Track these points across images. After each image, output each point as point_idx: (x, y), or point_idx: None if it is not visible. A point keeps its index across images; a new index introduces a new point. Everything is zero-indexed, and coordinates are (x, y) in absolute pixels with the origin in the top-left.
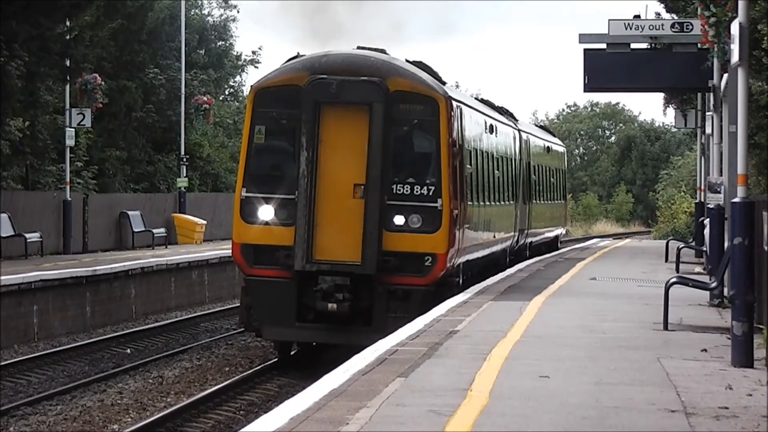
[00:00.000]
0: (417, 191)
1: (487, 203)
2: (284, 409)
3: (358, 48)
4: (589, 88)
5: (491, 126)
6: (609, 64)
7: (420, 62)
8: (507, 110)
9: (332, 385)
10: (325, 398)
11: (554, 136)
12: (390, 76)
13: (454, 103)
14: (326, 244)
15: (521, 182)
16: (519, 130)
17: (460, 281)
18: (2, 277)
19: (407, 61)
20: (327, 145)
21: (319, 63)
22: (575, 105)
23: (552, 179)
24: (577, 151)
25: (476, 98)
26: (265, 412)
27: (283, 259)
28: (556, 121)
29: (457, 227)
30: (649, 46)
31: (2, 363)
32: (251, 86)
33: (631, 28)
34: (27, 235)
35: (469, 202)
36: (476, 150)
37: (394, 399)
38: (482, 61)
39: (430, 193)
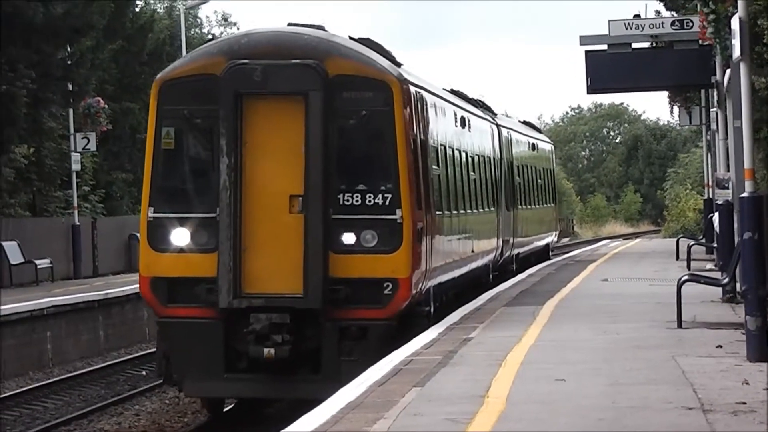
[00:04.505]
0: (370, 201)
1: (462, 212)
2: (302, 423)
3: (290, 25)
4: (592, 89)
5: (463, 119)
6: (611, 65)
7: (367, 39)
8: (483, 103)
9: (349, 397)
10: (342, 411)
11: (540, 132)
12: (329, 57)
13: (413, 89)
14: (258, 273)
15: (503, 185)
16: (498, 126)
17: (431, 310)
18: (14, 305)
19: (351, 38)
20: (254, 148)
21: (239, 45)
22: (579, 107)
23: (539, 180)
24: (583, 153)
25: (446, 89)
26: (282, 427)
27: (204, 295)
28: (561, 123)
29: (423, 244)
30: (650, 45)
31: (18, 390)
32: (155, 78)
33: (631, 28)
34: (37, 262)
35: (438, 212)
36: (444, 147)
37: (411, 409)
38: (486, 68)
39: (387, 203)
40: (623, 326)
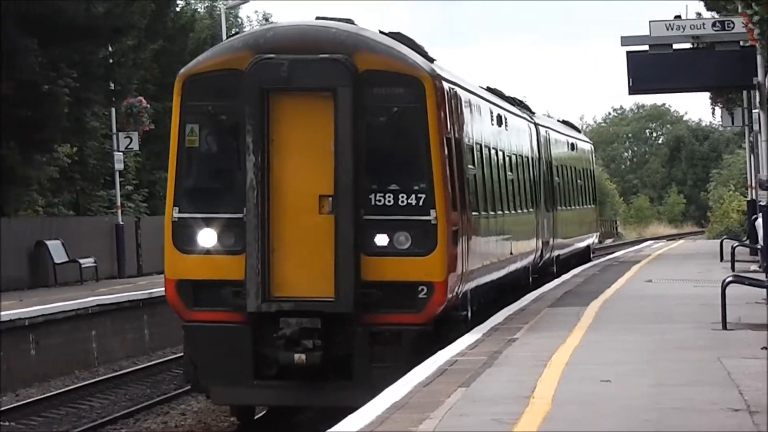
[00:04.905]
0: (403, 201)
1: (499, 212)
2: (347, 424)
3: (318, 19)
4: (633, 90)
5: (500, 117)
6: (652, 66)
7: (398, 33)
8: (521, 101)
9: (394, 398)
10: (388, 411)
11: (579, 131)
12: (358, 51)
13: (446, 85)
14: (287, 276)
15: (542, 186)
16: (536, 125)
17: (468, 314)
18: (59, 304)
19: (381, 32)
20: (281, 146)
21: (265, 39)
22: (621, 108)
23: (579, 181)
24: (625, 154)
25: (482, 87)
26: (328, 427)
27: (231, 298)
28: (603, 124)
29: (458, 245)
30: (691, 46)
31: (65, 389)
32: (178, 73)
33: (672, 29)
34: (81, 261)
35: (474, 213)
36: (480, 146)
37: (456, 409)
38: (528, 69)
39: (421, 203)
40: (668, 327)
